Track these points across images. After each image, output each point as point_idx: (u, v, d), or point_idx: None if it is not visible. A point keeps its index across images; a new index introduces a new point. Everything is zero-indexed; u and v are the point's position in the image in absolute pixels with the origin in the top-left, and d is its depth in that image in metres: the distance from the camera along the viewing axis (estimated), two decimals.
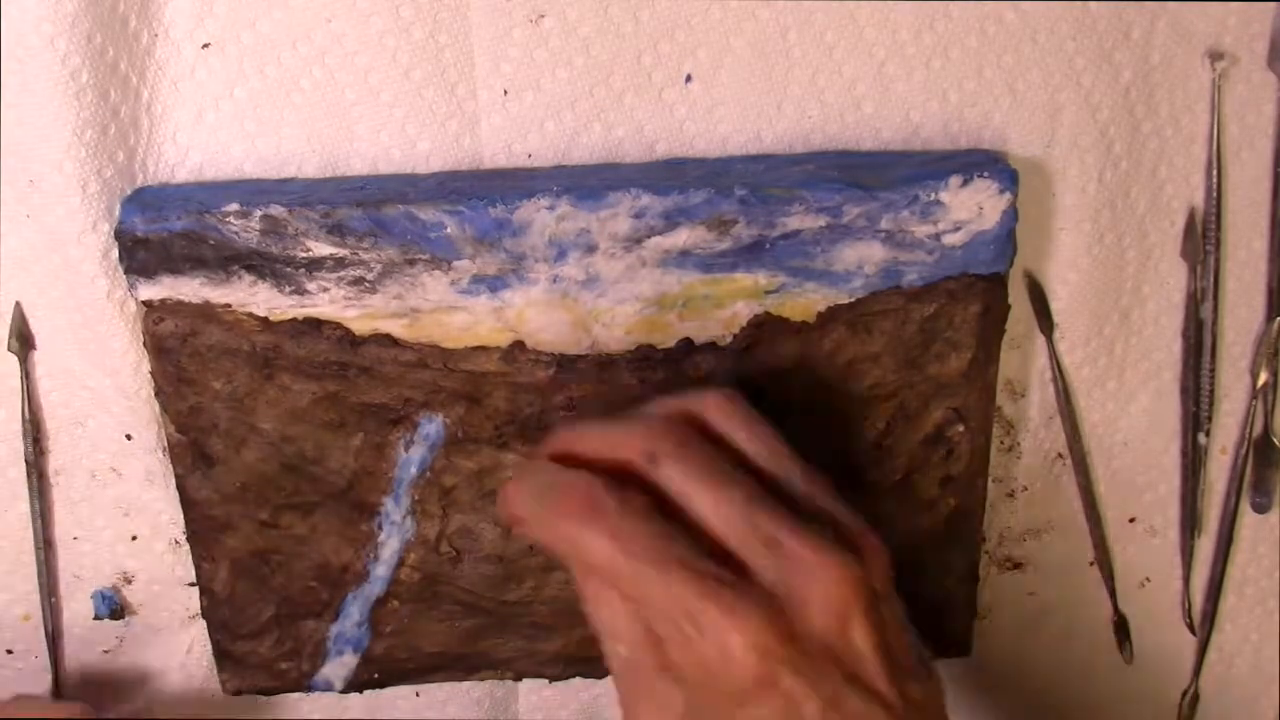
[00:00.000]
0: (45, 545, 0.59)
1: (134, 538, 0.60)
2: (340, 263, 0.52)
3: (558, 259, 0.52)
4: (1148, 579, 0.64)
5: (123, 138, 0.52)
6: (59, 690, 0.62)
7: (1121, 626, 0.64)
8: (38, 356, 0.56)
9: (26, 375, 0.56)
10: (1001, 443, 0.60)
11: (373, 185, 0.53)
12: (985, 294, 0.54)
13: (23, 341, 0.55)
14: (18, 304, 0.55)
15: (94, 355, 0.55)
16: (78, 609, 0.61)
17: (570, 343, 0.54)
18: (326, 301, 0.52)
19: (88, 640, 0.62)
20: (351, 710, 0.64)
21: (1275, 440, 0.60)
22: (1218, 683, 0.66)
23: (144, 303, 0.52)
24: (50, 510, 0.59)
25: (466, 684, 0.63)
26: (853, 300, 0.54)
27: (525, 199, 0.51)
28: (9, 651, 0.62)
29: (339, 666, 0.59)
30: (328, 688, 0.59)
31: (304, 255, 0.51)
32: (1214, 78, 0.55)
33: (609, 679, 0.62)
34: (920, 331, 0.54)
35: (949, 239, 0.53)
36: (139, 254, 0.51)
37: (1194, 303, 0.58)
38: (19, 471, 0.58)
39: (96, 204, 0.52)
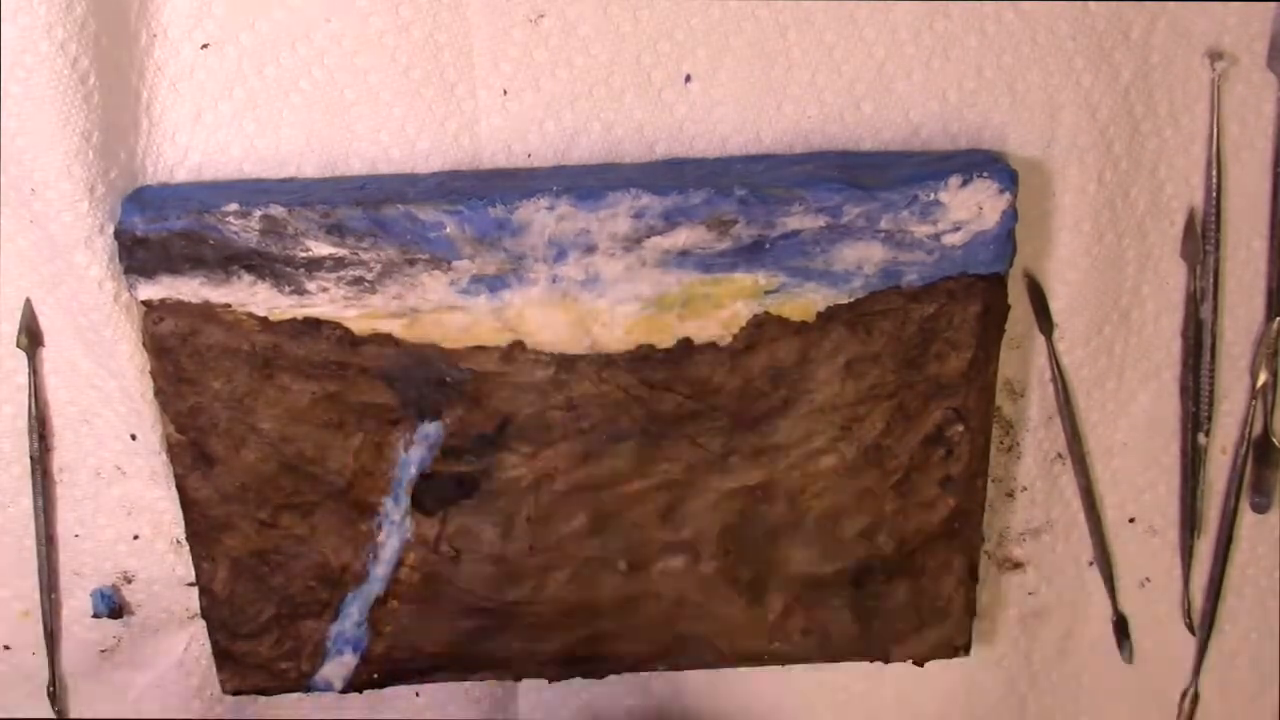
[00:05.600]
0: (47, 541, 0.59)
1: (136, 537, 0.60)
2: (340, 262, 0.52)
3: (557, 259, 0.52)
4: (1148, 579, 0.64)
5: (123, 139, 0.52)
6: (55, 687, 0.62)
7: (1121, 626, 0.64)
8: (46, 354, 0.56)
9: (34, 372, 0.56)
10: (1001, 443, 0.60)
11: (372, 185, 0.53)
12: (985, 294, 0.54)
13: (32, 338, 0.56)
14: (27, 300, 0.55)
15: (100, 356, 0.55)
16: (77, 606, 0.61)
17: (570, 343, 0.54)
18: (326, 301, 0.52)
19: (86, 638, 0.62)
20: (351, 710, 0.64)
21: (1275, 440, 0.60)
22: (1218, 683, 0.66)
23: (144, 303, 0.52)
24: (53, 507, 0.59)
25: (466, 684, 0.63)
26: (852, 300, 0.54)
27: (525, 199, 0.51)
28: (6, 647, 0.62)
29: (338, 666, 0.59)
30: (327, 688, 0.59)
31: (303, 255, 0.51)
32: (1214, 78, 0.55)
33: (609, 679, 0.62)
34: (920, 331, 0.54)
35: (948, 239, 0.53)
36: (138, 254, 0.51)
37: (1194, 303, 0.58)
38: (23, 467, 0.58)
39: (102, 207, 0.52)
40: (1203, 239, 0.57)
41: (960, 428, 0.56)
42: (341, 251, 0.52)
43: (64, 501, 0.59)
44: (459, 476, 0.56)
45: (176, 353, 0.53)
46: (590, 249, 0.52)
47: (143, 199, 0.52)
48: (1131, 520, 0.62)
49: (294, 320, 0.53)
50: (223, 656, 0.59)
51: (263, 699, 0.62)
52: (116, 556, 0.60)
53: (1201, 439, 0.60)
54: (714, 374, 0.54)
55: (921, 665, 0.61)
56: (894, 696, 0.66)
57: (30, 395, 0.57)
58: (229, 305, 0.52)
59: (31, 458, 0.58)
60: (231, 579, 0.57)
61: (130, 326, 0.54)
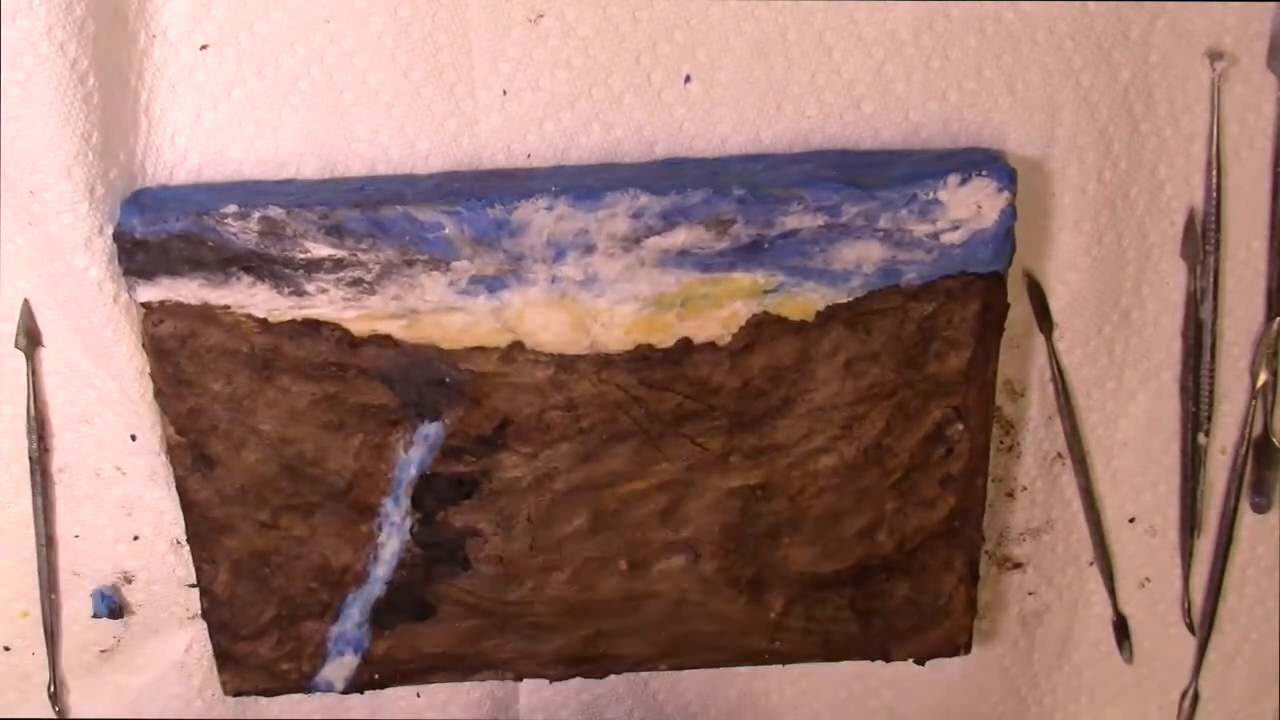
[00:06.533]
0: (46, 542, 0.59)
1: (136, 537, 0.60)
2: (339, 264, 0.52)
3: (556, 259, 0.52)
4: (1148, 579, 0.64)
5: (122, 140, 0.52)
6: (55, 687, 0.62)
7: (1121, 626, 0.64)
8: (45, 355, 0.56)
9: (33, 372, 0.56)
10: (1001, 442, 0.60)
11: (371, 186, 0.53)
12: (984, 292, 0.54)
13: (30, 339, 0.56)
14: (25, 301, 0.55)
15: (100, 357, 0.55)
16: (77, 607, 0.61)
17: (569, 343, 0.54)
18: (325, 303, 0.52)
19: (86, 638, 0.62)
20: (352, 711, 0.64)
21: (1275, 440, 0.60)
22: (1218, 683, 0.66)
23: (143, 304, 0.52)
24: (52, 507, 0.59)
25: (467, 684, 0.63)
26: (851, 299, 0.54)
27: (524, 199, 0.51)
28: (6, 648, 0.62)
29: (339, 667, 0.59)
30: (328, 688, 0.60)
31: (302, 256, 0.52)
32: (1214, 78, 0.55)
33: (609, 679, 0.62)
34: (919, 330, 0.54)
35: (947, 238, 0.53)
36: (138, 256, 0.51)
37: (1194, 303, 0.58)
38: (22, 468, 0.58)
39: (101, 209, 0.52)
40: (1203, 239, 0.57)
41: (960, 426, 0.56)
42: (340, 253, 0.52)
43: (64, 502, 0.59)
44: (459, 477, 0.56)
45: (176, 354, 0.53)
46: (589, 249, 0.52)
47: (142, 201, 0.52)
48: (1131, 520, 0.62)
49: (293, 321, 0.53)
50: (224, 657, 0.59)
51: (264, 699, 0.63)
52: (116, 557, 0.60)
53: (1201, 439, 0.60)
54: (713, 374, 0.54)
55: (922, 664, 0.61)
56: (894, 696, 0.66)
57: (29, 396, 0.57)
58: (228, 307, 0.52)
59: (31, 458, 0.58)
60: (232, 580, 0.57)
61: (129, 328, 0.54)
